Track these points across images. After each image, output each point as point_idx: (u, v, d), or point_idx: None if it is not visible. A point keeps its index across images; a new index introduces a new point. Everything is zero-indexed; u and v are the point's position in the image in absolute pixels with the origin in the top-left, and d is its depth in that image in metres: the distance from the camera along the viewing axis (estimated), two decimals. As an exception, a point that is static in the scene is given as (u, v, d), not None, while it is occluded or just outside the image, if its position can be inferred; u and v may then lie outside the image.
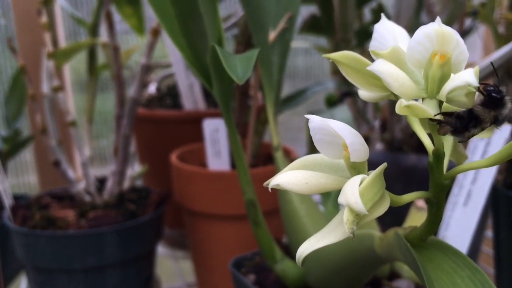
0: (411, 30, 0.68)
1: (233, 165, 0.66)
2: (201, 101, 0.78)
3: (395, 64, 0.19)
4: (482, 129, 0.21)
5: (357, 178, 0.20)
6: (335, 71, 0.90)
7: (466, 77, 0.18)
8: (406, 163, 0.66)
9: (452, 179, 0.22)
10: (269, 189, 0.22)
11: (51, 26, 0.64)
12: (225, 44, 0.40)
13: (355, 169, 0.22)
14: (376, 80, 0.24)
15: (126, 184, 0.67)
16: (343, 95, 0.75)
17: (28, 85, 0.62)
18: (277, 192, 0.50)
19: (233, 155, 0.42)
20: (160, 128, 0.80)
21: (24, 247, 0.58)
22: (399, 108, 0.19)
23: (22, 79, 0.74)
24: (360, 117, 0.77)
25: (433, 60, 0.19)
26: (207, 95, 0.81)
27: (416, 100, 0.21)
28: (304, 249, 0.21)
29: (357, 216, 0.19)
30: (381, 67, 0.19)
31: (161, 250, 0.83)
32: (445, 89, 0.19)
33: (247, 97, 0.65)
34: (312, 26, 0.84)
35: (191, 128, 0.77)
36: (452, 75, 0.19)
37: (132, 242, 0.60)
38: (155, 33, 0.58)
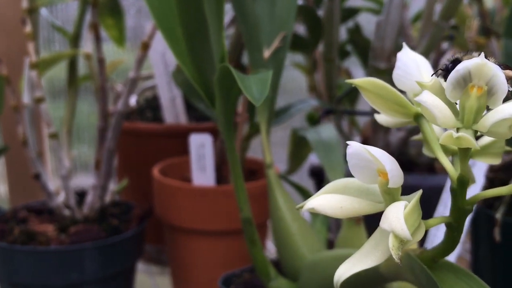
0: (394, 51, 0.69)
1: (218, 180, 0.66)
2: (183, 115, 0.78)
3: (436, 95, 0.20)
4: None
5: (401, 205, 0.21)
6: (312, 88, 0.92)
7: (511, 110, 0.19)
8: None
9: (473, 204, 0.23)
10: (303, 212, 0.22)
11: (34, 35, 0.62)
12: (227, 61, 0.40)
13: (389, 194, 0.22)
14: (399, 107, 0.25)
15: (107, 199, 0.66)
16: (324, 113, 0.76)
17: (11, 96, 0.60)
18: (269, 209, 0.50)
19: (231, 172, 0.42)
20: (140, 141, 0.79)
21: (2, 262, 0.56)
22: (448, 139, 0.19)
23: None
24: (340, 133, 0.79)
25: (471, 92, 0.20)
26: (189, 109, 0.80)
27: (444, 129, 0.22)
28: (342, 274, 0.21)
29: (402, 242, 0.20)
30: (428, 98, 0.20)
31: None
32: (489, 121, 0.19)
33: (235, 115, 0.66)
34: (291, 43, 0.86)
35: (172, 142, 0.77)
36: (487, 106, 0.20)
37: (114, 258, 0.59)
38: (145, 47, 0.57)
